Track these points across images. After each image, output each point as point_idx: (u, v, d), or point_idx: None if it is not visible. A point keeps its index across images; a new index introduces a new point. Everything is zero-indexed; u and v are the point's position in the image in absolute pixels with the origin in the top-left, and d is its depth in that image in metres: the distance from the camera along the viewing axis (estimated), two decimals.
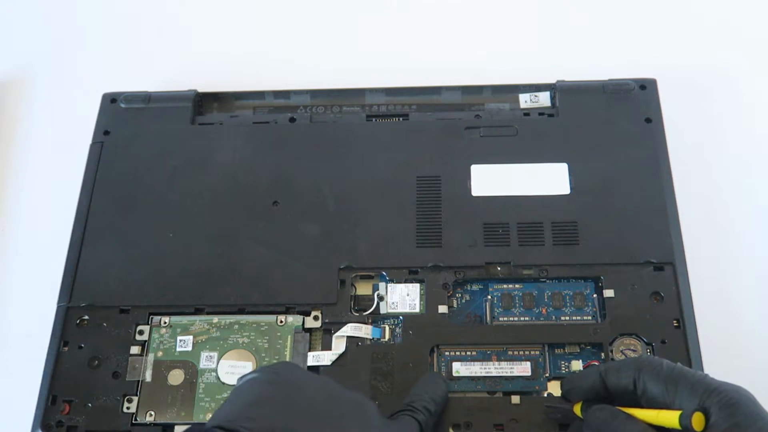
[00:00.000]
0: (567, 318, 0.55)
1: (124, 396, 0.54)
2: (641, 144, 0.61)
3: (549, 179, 0.60)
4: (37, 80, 0.75)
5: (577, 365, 0.54)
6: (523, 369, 0.54)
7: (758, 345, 0.58)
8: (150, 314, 0.57)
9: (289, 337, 0.55)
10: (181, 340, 0.56)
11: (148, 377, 0.55)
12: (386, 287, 0.57)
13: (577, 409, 0.49)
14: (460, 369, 0.54)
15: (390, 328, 0.56)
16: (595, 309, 0.56)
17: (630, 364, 0.46)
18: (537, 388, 0.53)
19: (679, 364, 0.45)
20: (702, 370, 0.52)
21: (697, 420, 0.42)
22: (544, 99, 0.65)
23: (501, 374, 0.54)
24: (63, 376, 0.55)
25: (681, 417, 0.43)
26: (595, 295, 0.56)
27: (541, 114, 0.64)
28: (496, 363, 0.54)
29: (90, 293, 0.58)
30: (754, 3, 0.72)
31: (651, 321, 0.54)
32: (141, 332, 0.56)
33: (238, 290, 0.57)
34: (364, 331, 0.55)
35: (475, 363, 0.54)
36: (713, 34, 0.71)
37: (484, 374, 0.54)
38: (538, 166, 0.61)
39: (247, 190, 0.61)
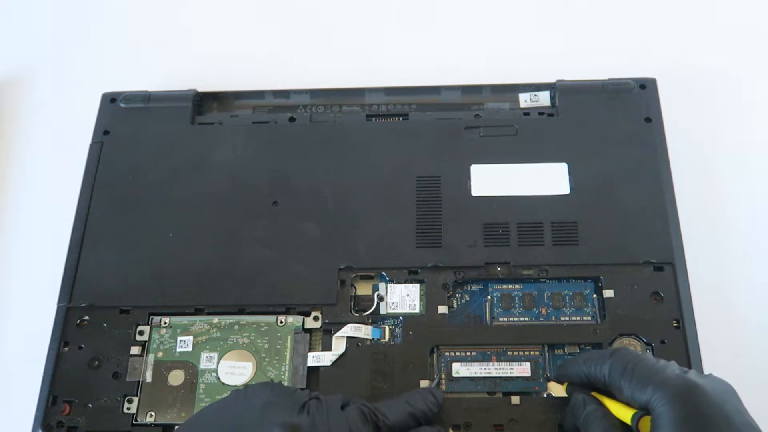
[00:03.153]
0: (567, 318, 0.56)
1: (125, 396, 0.54)
2: (641, 144, 0.61)
3: (549, 179, 0.60)
4: (37, 80, 0.74)
5: None
6: (523, 369, 0.54)
7: (758, 345, 0.58)
8: (150, 314, 0.57)
9: (289, 337, 0.55)
10: (181, 341, 0.56)
11: (149, 378, 0.55)
12: (386, 287, 0.57)
13: (564, 388, 0.51)
14: (460, 369, 0.54)
15: (390, 329, 0.56)
16: (595, 309, 0.56)
17: (605, 353, 0.47)
18: (537, 388, 0.53)
19: (647, 353, 0.46)
20: (702, 370, 0.52)
21: (644, 425, 0.43)
22: (543, 98, 0.65)
23: (501, 375, 0.54)
24: (63, 377, 0.55)
25: (633, 417, 0.44)
26: (595, 295, 0.56)
27: (540, 114, 0.64)
28: (496, 363, 0.54)
29: (90, 293, 0.58)
30: (754, 3, 0.72)
31: (651, 321, 0.54)
32: (141, 333, 0.56)
33: (238, 290, 0.57)
34: (364, 331, 0.55)
35: (475, 363, 0.54)
36: (713, 34, 0.71)
37: (483, 375, 0.54)
38: (538, 166, 0.61)
39: (247, 190, 0.61)
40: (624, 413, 0.45)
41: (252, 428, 0.45)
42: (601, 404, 0.47)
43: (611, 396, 0.47)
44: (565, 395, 0.51)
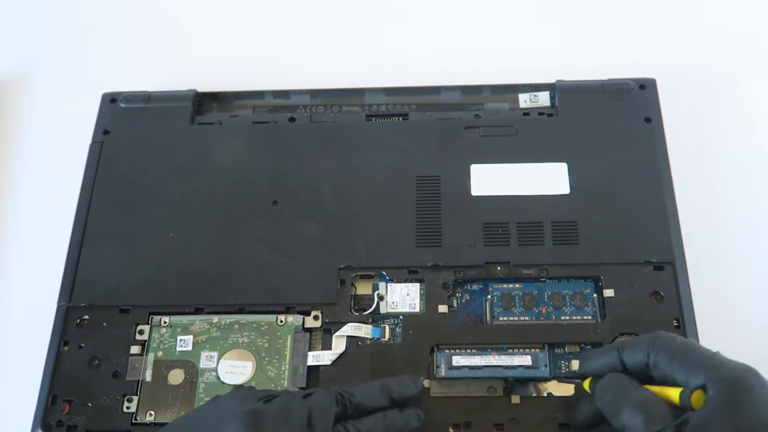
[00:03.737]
0: (567, 318, 0.55)
1: (124, 396, 0.54)
2: (641, 144, 0.61)
3: (549, 179, 0.60)
4: (37, 80, 0.75)
5: (576, 365, 0.53)
6: (524, 360, 0.53)
7: (758, 345, 0.58)
8: (150, 314, 0.57)
9: (289, 336, 0.55)
10: (181, 340, 0.56)
11: (148, 377, 0.55)
12: (386, 287, 0.57)
13: (586, 384, 0.49)
14: (460, 360, 0.53)
15: (390, 328, 0.56)
16: (595, 309, 0.56)
17: (646, 339, 0.46)
18: (538, 375, 0.52)
19: (692, 339, 0.45)
20: None
21: (696, 398, 0.42)
22: (543, 99, 0.65)
23: (501, 364, 0.53)
24: (63, 376, 0.55)
25: (681, 393, 0.43)
26: (595, 295, 0.56)
27: (540, 114, 0.64)
28: (497, 356, 0.53)
29: (90, 293, 0.58)
30: (754, 3, 0.72)
31: (651, 321, 0.54)
32: (141, 332, 0.56)
33: (238, 290, 0.57)
34: (364, 330, 0.55)
35: (475, 356, 0.54)
36: (713, 34, 0.71)
37: (484, 364, 0.53)
38: (537, 165, 0.61)
39: (247, 190, 0.61)
40: (669, 393, 0.44)
41: (213, 423, 0.45)
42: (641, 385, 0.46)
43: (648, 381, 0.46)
44: (566, 394, 0.51)
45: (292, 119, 0.65)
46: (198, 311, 0.57)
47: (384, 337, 0.55)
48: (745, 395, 0.41)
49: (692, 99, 0.67)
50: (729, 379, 0.41)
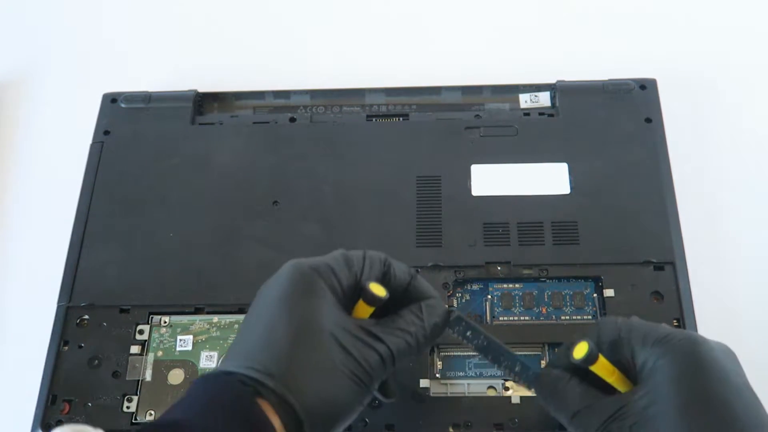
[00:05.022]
0: (567, 318, 0.55)
1: (124, 395, 0.54)
2: (641, 144, 0.61)
3: (549, 179, 0.60)
4: (37, 80, 0.75)
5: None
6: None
7: (758, 345, 0.58)
8: (150, 314, 0.57)
9: None
10: (181, 340, 0.56)
11: (148, 377, 0.55)
12: None
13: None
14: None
15: None
16: (595, 309, 0.56)
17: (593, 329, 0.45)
18: (542, 362, 0.52)
19: (634, 317, 0.45)
20: None
21: (579, 349, 0.42)
22: (544, 99, 0.65)
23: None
24: (63, 376, 0.55)
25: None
26: (595, 295, 0.56)
27: (541, 114, 0.64)
28: None
29: (90, 293, 0.58)
30: (754, 4, 0.72)
31: (651, 321, 0.54)
32: (141, 332, 0.56)
33: (238, 290, 0.57)
34: None
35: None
36: (713, 34, 0.71)
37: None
38: (538, 166, 0.61)
39: (247, 190, 0.61)
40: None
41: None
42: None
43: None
44: None
45: (292, 119, 0.65)
46: (198, 311, 0.57)
47: None
48: (688, 370, 0.41)
49: (693, 99, 0.67)
50: (675, 354, 0.41)
